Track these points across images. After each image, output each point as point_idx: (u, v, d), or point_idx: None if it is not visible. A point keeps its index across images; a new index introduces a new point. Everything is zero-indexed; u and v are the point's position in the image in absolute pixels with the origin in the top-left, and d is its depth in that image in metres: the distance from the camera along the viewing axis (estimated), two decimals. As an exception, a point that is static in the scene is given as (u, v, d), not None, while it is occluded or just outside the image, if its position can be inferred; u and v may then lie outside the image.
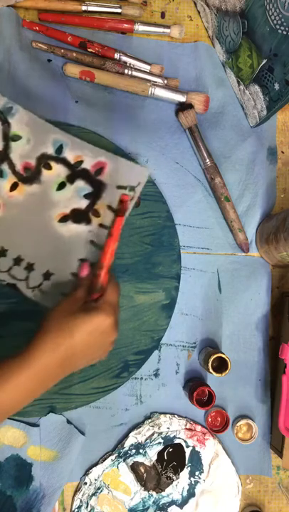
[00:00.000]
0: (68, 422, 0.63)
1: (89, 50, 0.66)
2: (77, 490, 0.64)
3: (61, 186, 0.61)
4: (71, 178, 0.61)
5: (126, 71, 0.67)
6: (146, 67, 0.67)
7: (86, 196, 0.61)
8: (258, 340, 0.68)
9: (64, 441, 0.62)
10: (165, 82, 0.68)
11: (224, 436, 0.66)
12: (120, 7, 0.66)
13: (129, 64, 0.67)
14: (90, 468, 0.64)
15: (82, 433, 0.64)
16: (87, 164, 0.61)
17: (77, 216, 0.61)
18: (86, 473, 0.64)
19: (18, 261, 0.60)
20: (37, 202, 0.61)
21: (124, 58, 0.67)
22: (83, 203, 0.61)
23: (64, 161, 0.61)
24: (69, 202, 0.61)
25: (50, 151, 0.61)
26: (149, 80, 0.67)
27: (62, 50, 0.66)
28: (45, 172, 0.61)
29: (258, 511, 0.66)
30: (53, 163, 0.61)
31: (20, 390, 0.47)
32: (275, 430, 0.66)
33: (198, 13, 0.70)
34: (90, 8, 0.66)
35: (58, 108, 0.65)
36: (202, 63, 0.69)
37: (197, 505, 0.64)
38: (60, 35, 0.66)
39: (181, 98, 0.67)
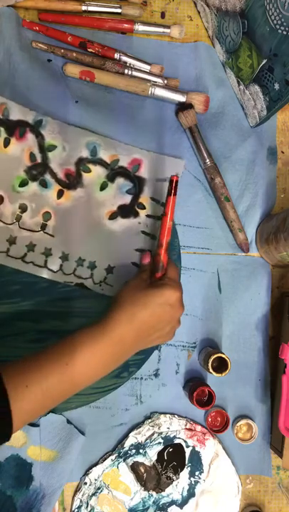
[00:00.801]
0: (68, 422, 0.63)
1: (89, 50, 0.66)
2: (77, 490, 0.64)
3: (103, 186, 0.64)
4: (111, 177, 0.65)
5: (126, 71, 0.67)
6: (146, 67, 0.67)
7: (128, 192, 0.65)
8: (258, 340, 0.68)
9: (64, 441, 0.62)
10: (165, 82, 0.68)
11: (224, 436, 0.66)
12: (120, 7, 0.66)
13: (129, 64, 0.67)
14: (90, 468, 0.64)
15: (82, 433, 0.64)
16: (124, 162, 0.65)
17: (125, 211, 0.65)
18: (86, 473, 0.64)
19: (80, 262, 0.64)
20: (85, 205, 0.64)
21: (124, 58, 0.67)
22: (127, 199, 0.65)
23: (101, 162, 0.65)
24: (114, 199, 0.65)
25: (86, 154, 0.64)
26: (149, 80, 0.67)
27: (62, 50, 0.66)
28: (85, 175, 0.64)
29: (258, 511, 0.66)
30: (91, 166, 0.64)
31: (96, 359, 0.50)
32: (275, 430, 0.66)
33: (198, 13, 0.70)
34: (90, 8, 0.66)
35: (58, 108, 0.65)
36: (202, 63, 0.69)
37: (197, 505, 0.64)
38: (60, 35, 0.66)
39: (181, 98, 0.67)
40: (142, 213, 0.65)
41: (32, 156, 0.63)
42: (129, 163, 0.65)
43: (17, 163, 0.63)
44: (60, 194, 0.64)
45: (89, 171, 0.64)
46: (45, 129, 0.63)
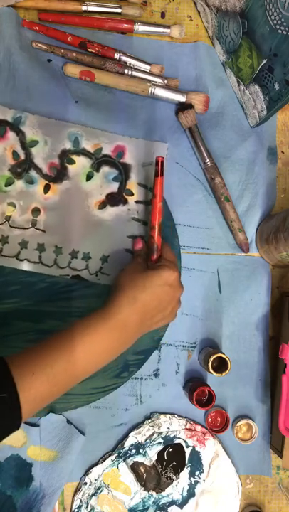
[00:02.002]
0: (68, 422, 0.63)
1: (89, 50, 0.66)
2: (77, 490, 0.64)
3: (89, 176, 0.65)
4: (96, 167, 0.65)
5: (126, 71, 0.67)
6: (146, 67, 0.67)
7: (115, 179, 0.65)
8: (258, 340, 0.68)
9: (64, 441, 0.62)
10: (165, 82, 0.68)
11: (224, 436, 0.66)
12: (120, 7, 0.66)
13: (129, 64, 0.67)
14: (90, 468, 0.64)
15: (82, 433, 0.64)
16: (107, 150, 0.65)
17: (113, 199, 0.65)
18: (86, 473, 0.64)
19: (74, 254, 0.64)
20: (72, 197, 0.65)
21: (124, 58, 0.67)
22: (114, 186, 0.65)
23: (84, 152, 0.65)
24: (101, 189, 0.65)
25: (69, 145, 0.64)
26: (149, 80, 0.67)
27: (63, 50, 0.66)
28: (70, 167, 0.65)
29: (258, 511, 0.66)
30: (74, 157, 0.64)
31: (101, 344, 0.51)
32: (275, 430, 0.66)
33: (198, 13, 0.70)
34: (90, 8, 0.66)
35: (58, 108, 0.65)
36: (202, 63, 0.69)
37: (197, 505, 0.64)
38: (60, 35, 0.66)
39: (181, 98, 0.67)
40: (131, 200, 0.65)
41: (15, 153, 0.63)
42: (113, 151, 0.65)
43: (0, 163, 0.63)
44: (46, 188, 0.64)
45: (73, 162, 0.65)
46: (25, 125, 0.64)
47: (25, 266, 0.63)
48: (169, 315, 0.57)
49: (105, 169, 0.65)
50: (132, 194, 0.65)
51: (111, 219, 0.65)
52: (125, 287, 0.53)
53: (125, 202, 0.65)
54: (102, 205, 0.65)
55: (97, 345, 0.50)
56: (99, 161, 0.65)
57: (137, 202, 0.65)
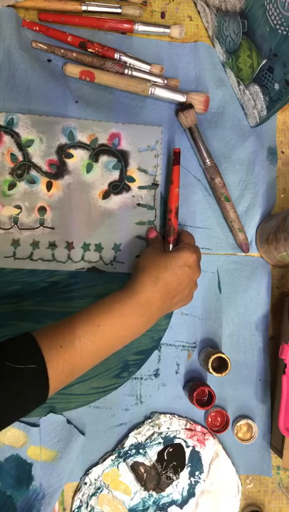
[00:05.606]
0: (68, 422, 0.63)
1: (89, 50, 0.66)
2: (77, 490, 0.64)
3: (89, 168, 0.65)
4: (94, 157, 0.65)
5: (126, 71, 0.67)
6: (146, 67, 0.67)
7: (115, 167, 0.65)
8: (258, 340, 0.68)
9: (64, 441, 0.62)
10: (165, 82, 0.68)
11: (224, 436, 0.66)
12: (120, 7, 0.66)
13: (129, 64, 0.67)
14: (90, 468, 0.64)
15: (82, 433, 0.64)
16: (103, 139, 0.65)
17: (116, 188, 0.66)
18: (86, 473, 0.64)
19: (86, 247, 0.65)
20: (76, 190, 0.65)
21: (124, 58, 0.67)
22: (115, 174, 0.66)
23: (81, 145, 0.65)
24: (103, 178, 0.66)
25: (64, 140, 0.65)
26: (149, 80, 0.67)
27: (63, 50, 0.66)
28: (69, 161, 0.65)
29: (258, 511, 0.66)
30: (72, 151, 0.65)
31: (125, 321, 0.52)
32: (275, 430, 0.66)
33: (198, 13, 0.70)
34: (90, 8, 0.66)
35: (58, 108, 0.65)
36: (202, 63, 0.69)
37: (197, 505, 0.64)
38: (60, 35, 0.66)
39: (181, 98, 0.67)
40: (133, 186, 0.66)
41: (13, 156, 0.64)
42: (109, 139, 0.65)
43: (0, 168, 0.63)
44: (49, 186, 0.64)
45: (71, 156, 0.65)
46: (18, 126, 0.64)
47: (40, 265, 0.64)
48: (186, 296, 0.59)
49: (104, 158, 0.65)
50: (133, 180, 0.66)
51: (117, 207, 0.65)
52: (147, 268, 0.55)
53: (128, 189, 0.66)
54: (106, 195, 0.65)
55: (122, 320, 0.52)
56: (96, 151, 0.65)
57: (139, 187, 0.66)
